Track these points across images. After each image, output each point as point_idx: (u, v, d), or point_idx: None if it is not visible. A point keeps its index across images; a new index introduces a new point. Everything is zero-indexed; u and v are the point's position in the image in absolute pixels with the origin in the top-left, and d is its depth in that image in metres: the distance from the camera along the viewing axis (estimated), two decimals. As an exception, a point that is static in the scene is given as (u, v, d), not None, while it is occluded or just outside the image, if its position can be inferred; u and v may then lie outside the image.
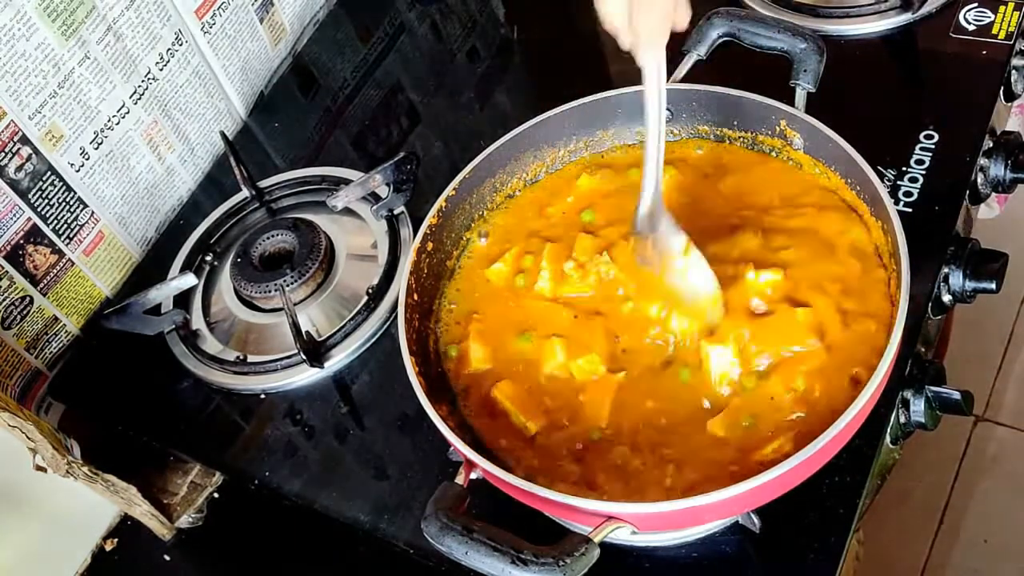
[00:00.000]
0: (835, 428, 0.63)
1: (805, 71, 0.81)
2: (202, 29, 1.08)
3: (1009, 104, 1.03)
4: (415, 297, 0.79)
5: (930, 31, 1.02)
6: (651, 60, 0.69)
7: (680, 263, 0.74)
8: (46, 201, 0.96)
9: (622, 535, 0.64)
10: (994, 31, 0.99)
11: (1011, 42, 0.98)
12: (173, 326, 0.98)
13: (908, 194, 0.89)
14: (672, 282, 0.75)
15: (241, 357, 0.95)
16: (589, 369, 0.75)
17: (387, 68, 1.20)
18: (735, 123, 0.85)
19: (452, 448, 0.71)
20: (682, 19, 0.68)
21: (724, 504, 0.63)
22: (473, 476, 0.69)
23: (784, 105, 0.81)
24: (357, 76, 1.20)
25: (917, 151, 0.92)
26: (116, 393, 0.98)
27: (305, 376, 0.92)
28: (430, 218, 0.81)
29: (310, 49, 1.25)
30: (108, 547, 0.96)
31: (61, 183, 0.97)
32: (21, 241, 0.94)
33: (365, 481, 0.87)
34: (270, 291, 0.95)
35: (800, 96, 0.81)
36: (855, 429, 0.66)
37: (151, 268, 1.07)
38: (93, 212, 1.01)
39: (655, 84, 0.71)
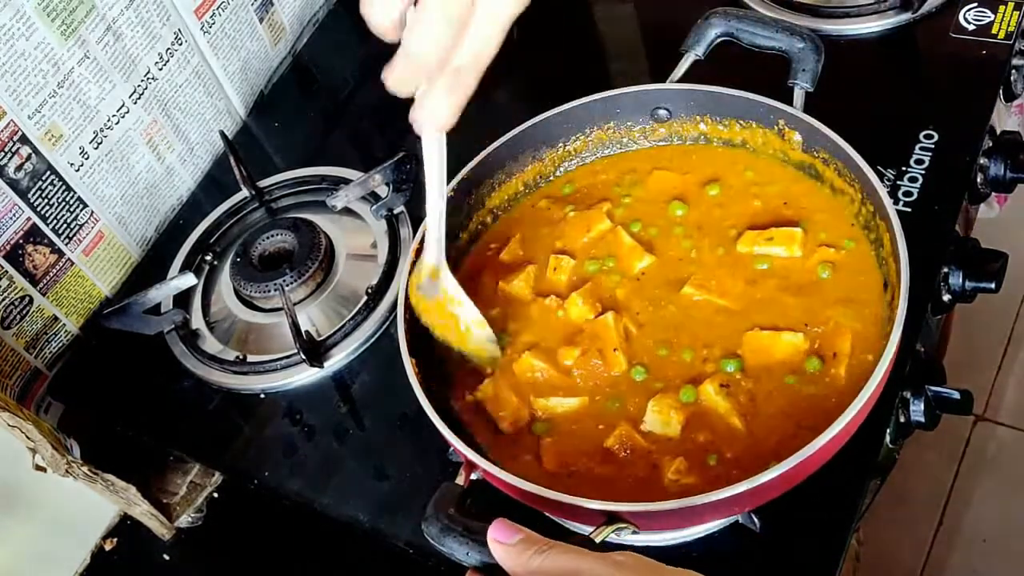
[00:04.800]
0: (837, 426, 0.63)
1: (803, 71, 0.81)
2: (202, 29, 1.08)
3: (1009, 104, 1.03)
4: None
5: (930, 31, 1.02)
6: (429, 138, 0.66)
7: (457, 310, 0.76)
8: (46, 201, 0.96)
9: (623, 535, 0.64)
10: (994, 31, 0.99)
11: (1011, 42, 0.98)
12: (173, 326, 0.98)
13: (908, 194, 0.89)
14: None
15: (241, 357, 0.95)
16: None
17: (387, 68, 1.20)
18: (733, 123, 0.84)
19: (452, 449, 0.71)
20: (441, 116, 0.59)
21: (725, 503, 0.63)
22: (474, 477, 0.69)
23: (783, 104, 0.80)
24: (357, 76, 1.20)
25: (917, 151, 0.92)
26: (116, 393, 0.98)
27: (305, 376, 0.92)
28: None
29: (310, 49, 1.25)
30: (108, 547, 0.96)
31: (61, 183, 0.97)
32: (21, 241, 0.94)
33: (365, 481, 0.87)
34: (270, 291, 0.95)
35: (798, 96, 0.81)
36: (855, 428, 0.66)
37: (151, 268, 1.07)
38: (93, 212, 1.01)
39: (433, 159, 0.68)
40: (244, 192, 1.07)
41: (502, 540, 0.54)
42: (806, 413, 0.70)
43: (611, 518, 0.63)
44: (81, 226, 1.00)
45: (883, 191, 0.72)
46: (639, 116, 0.87)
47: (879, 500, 0.82)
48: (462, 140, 1.11)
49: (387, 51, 0.59)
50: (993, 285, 0.88)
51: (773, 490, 0.65)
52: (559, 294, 0.80)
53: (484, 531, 0.59)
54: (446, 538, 0.61)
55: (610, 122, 0.88)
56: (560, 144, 0.88)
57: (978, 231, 0.98)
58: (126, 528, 0.97)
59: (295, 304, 0.94)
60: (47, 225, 0.96)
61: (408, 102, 0.61)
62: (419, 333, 0.79)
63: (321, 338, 0.93)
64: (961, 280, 0.88)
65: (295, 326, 0.90)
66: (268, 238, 1.00)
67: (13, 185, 0.92)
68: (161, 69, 1.05)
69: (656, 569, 0.50)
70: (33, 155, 0.93)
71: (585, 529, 0.64)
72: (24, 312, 0.96)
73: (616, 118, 0.88)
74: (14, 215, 0.93)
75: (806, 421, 0.69)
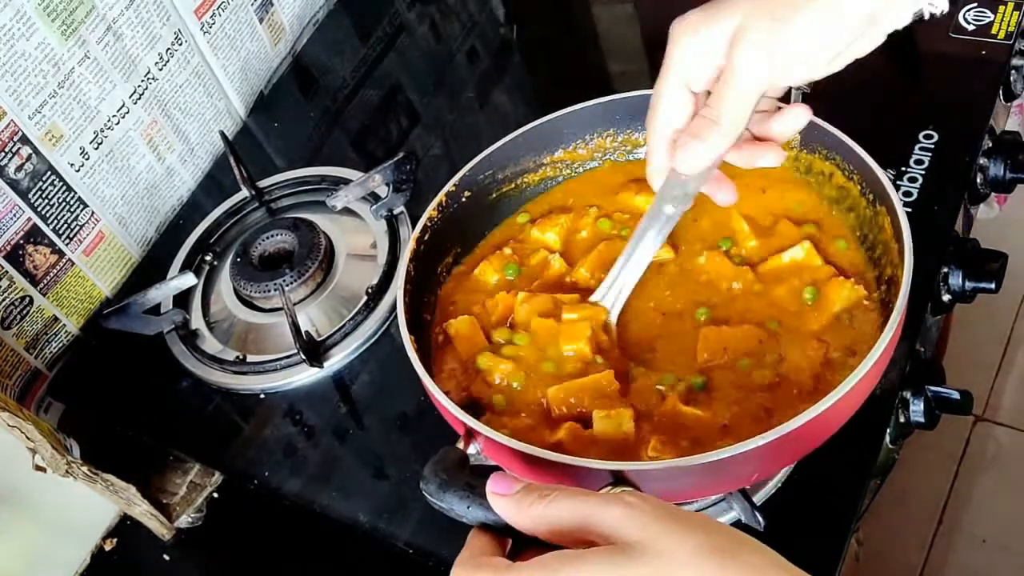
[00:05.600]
0: (851, 381, 0.62)
1: (800, 70, 0.81)
2: (202, 29, 1.08)
3: (1009, 104, 1.03)
4: (414, 285, 0.79)
5: (930, 31, 1.02)
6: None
7: None
8: (46, 201, 0.96)
9: None
10: (994, 31, 0.99)
11: (1011, 42, 0.98)
12: (172, 326, 0.98)
13: (908, 194, 0.89)
14: None
15: (240, 357, 0.95)
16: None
17: (387, 68, 1.20)
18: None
19: (453, 426, 0.70)
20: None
21: (737, 462, 0.61)
22: (471, 451, 0.68)
23: (781, 103, 0.80)
24: (357, 76, 1.20)
25: (917, 151, 0.92)
26: (116, 393, 0.98)
27: (305, 376, 0.92)
28: (430, 210, 0.81)
29: (310, 49, 1.25)
30: (108, 547, 0.96)
31: (61, 183, 0.97)
32: (21, 241, 0.94)
33: (365, 481, 0.87)
34: (269, 291, 0.96)
35: (795, 96, 0.81)
36: (868, 388, 0.65)
37: (151, 268, 1.07)
38: (93, 212, 1.01)
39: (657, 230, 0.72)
40: (244, 192, 1.08)
41: (502, 492, 0.52)
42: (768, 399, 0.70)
43: (616, 480, 0.62)
44: (81, 226, 1.00)
45: (888, 183, 0.72)
46: (638, 122, 0.87)
47: (879, 500, 0.82)
48: (462, 140, 1.12)
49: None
50: (993, 285, 0.88)
51: (782, 454, 0.64)
52: (572, 258, 0.82)
53: (484, 484, 0.56)
54: (446, 494, 0.58)
55: (610, 128, 0.88)
56: (561, 148, 0.88)
57: (978, 231, 0.98)
58: (126, 528, 0.97)
59: (295, 304, 0.95)
60: (47, 225, 0.96)
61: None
62: (418, 311, 0.79)
63: (321, 338, 0.93)
64: (961, 280, 0.88)
65: (295, 326, 0.90)
66: (268, 238, 1.00)
67: (13, 185, 0.92)
68: (161, 69, 1.05)
69: (667, 509, 0.48)
70: (33, 155, 0.93)
71: None
72: (24, 312, 0.96)
73: (616, 124, 0.87)
74: (14, 215, 0.93)
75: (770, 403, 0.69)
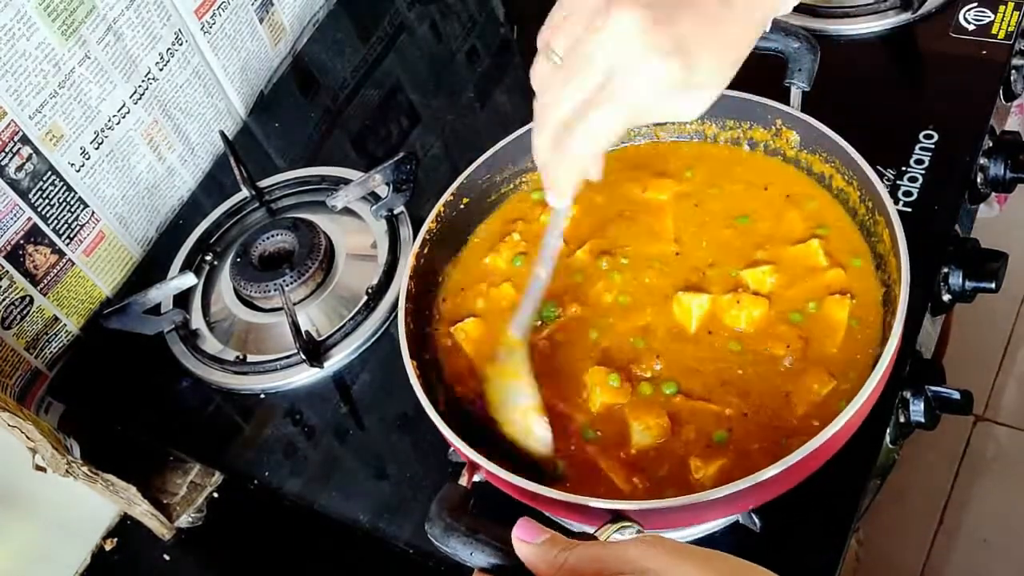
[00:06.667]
0: (840, 421, 0.63)
1: (799, 70, 0.81)
2: (202, 29, 1.08)
3: (1009, 104, 1.03)
4: (415, 303, 0.79)
5: (930, 31, 1.02)
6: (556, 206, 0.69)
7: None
8: (46, 201, 0.96)
9: (626, 533, 0.64)
10: (994, 31, 0.99)
11: (1011, 42, 0.98)
12: (173, 326, 0.98)
13: (908, 194, 0.89)
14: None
15: (241, 357, 0.95)
16: None
17: (387, 68, 1.20)
18: (729, 124, 0.84)
19: (453, 449, 0.71)
20: (596, 173, 0.66)
21: (730, 499, 0.62)
22: (476, 479, 0.69)
23: (780, 104, 0.80)
24: (357, 76, 1.20)
25: (917, 151, 0.92)
26: (116, 393, 0.98)
27: (305, 376, 0.92)
28: (429, 223, 0.81)
29: (310, 49, 1.25)
30: (108, 547, 0.96)
31: (61, 183, 0.97)
32: (21, 241, 0.94)
33: (365, 481, 0.87)
34: (270, 291, 0.96)
35: (795, 95, 0.81)
36: (858, 424, 0.66)
37: (151, 268, 1.07)
38: (93, 212, 1.01)
39: (555, 229, 0.71)
40: (244, 192, 1.08)
41: (528, 539, 0.55)
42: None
43: (616, 516, 0.63)
44: (82, 226, 1.00)
45: (882, 189, 0.72)
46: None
47: (879, 500, 0.82)
48: (462, 140, 1.12)
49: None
50: (993, 285, 0.88)
51: (777, 486, 0.65)
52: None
53: (489, 531, 0.59)
54: (450, 539, 0.60)
55: None
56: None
57: (978, 231, 0.98)
58: (126, 528, 0.97)
59: (295, 304, 0.95)
60: (48, 225, 0.96)
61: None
62: (419, 335, 0.79)
63: (321, 338, 0.93)
64: (961, 280, 0.88)
65: (295, 326, 0.91)
66: (268, 238, 1.00)
67: (14, 185, 0.92)
68: (162, 69, 1.05)
69: (681, 549, 0.51)
70: (34, 155, 0.93)
71: (589, 529, 0.64)
72: (25, 312, 0.96)
73: None
74: (15, 215, 0.93)
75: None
